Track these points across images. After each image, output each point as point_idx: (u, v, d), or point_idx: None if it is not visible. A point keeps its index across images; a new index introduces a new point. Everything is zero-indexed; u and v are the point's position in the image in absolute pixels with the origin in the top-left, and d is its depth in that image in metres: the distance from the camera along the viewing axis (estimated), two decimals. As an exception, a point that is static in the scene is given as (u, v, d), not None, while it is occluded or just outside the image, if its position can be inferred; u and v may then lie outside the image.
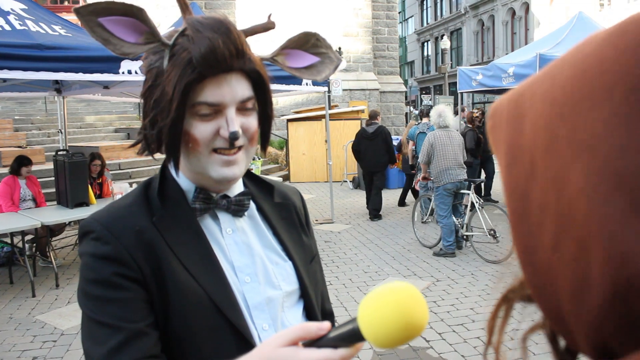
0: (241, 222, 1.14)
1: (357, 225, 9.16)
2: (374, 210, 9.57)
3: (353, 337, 0.75)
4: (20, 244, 6.26)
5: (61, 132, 8.46)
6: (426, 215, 8.55)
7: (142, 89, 1.07)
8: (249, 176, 1.23)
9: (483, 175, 10.68)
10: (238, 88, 1.02)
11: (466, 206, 7.00)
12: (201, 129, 1.01)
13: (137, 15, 0.99)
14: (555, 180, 0.41)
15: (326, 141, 10.11)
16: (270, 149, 17.20)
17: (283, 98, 17.15)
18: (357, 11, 20.63)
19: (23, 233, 6.01)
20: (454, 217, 7.09)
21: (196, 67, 0.96)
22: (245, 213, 1.14)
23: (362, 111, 16.32)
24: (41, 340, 4.64)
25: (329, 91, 9.46)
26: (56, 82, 7.51)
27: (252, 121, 1.07)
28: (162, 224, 1.04)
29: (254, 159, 9.95)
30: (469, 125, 10.08)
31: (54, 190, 7.09)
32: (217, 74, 0.99)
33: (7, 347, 4.50)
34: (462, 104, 11.14)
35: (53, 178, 7.04)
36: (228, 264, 1.08)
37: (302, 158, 15.15)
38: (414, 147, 9.21)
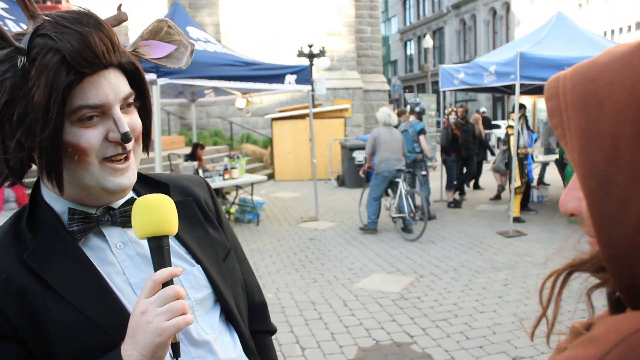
0: (133, 233, 0.99)
1: (341, 223, 9.21)
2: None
3: (153, 249, 0.93)
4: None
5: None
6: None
7: None
8: (139, 178, 1.09)
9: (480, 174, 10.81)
10: (119, 84, 0.93)
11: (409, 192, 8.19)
12: (88, 137, 0.90)
13: None
14: None
15: (310, 140, 10.16)
16: (254, 148, 17.18)
17: (267, 97, 17.12)
18: (341, 10, 20.68)
19: (6, 234, 5.97)
20: (386, 201, 8.46)
21: (72, 66, 0.85)
22: None
23: (346, 110, 16.38)
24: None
25: (313, 90, 9.48)
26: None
27: (136, 119, 0.99)
28: (36, 260, 0.92)
29: (237, 158, 9.95)
30: (458, 123, 10.28)
31: (36, 190, 7.05)
32: (96, 72, 0.89)
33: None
34: (444, 102, 11.24)
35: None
36: (124, 283, 0.98)
37: (286, 156, 15.18)
38: None
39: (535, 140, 10.39)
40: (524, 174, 8.85)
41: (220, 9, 19.44)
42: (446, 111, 10.78)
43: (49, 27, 0.87)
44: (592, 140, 0.48)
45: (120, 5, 1.08)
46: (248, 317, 1.21)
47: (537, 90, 11.36)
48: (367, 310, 5.11)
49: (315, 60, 17.44)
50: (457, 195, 10.67)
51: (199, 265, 1.08)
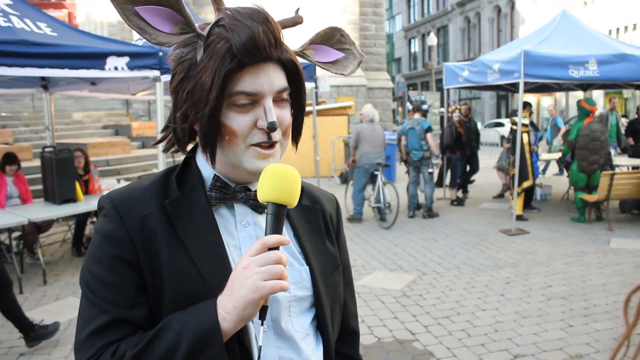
0: (260, 218, 1.10)
1: (344, 220, 9.20)
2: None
3: (272, 214, 0.96)
4: (7, 241, 6.23)
5: (48, 129, 8.42)
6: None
7: (171, 82, 1.05)
8: None
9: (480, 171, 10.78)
10: (275, 78, 1.01)
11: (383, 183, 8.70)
12: (239, 121, 1.00)
13: (173, 4, 0.98)
14: None
15: (314, 137, 10.15)
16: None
17: (271, 94, 17.09)
18: (345, 8, 20.64)
19: (10, 230, 5.98)
20: (366, 192, 8.86)
21: (236, 55, 0.95)
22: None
23: (349, 107, 16.36)
24: (29, 336, 4.63)
25: (316, 87, 9.48)
26: (43, 78, 7.46)
27: (286, 114, 1.06)
28: (174, 209, 1.03)
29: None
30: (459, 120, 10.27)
31: (41, 187, 7.07)
32: (256, 63, 0.98)
33: (-6, 344, 4.50)
34: (448, 99, 11.22)
35: (40, 175, 7.01)
36: (238, 257, 1.05)
37: (289, 154, 14.94)
38: (405, 142, 9.33)
39: (540, 139, 10.36)
40: (532, 171, 8.87)
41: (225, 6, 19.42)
42: (449, 109, 10.76)
43: (226, 19, 0.99)
44: None
45: (298, 9, 1.18)
46: (338, 338, 1.22)
47: (541, 89, 11.33)
48: (369, 307, 5.12)
49: (319, 57, 17.39)
50: (460, 193, 10.65)
51: (307, 267, 1.12)
